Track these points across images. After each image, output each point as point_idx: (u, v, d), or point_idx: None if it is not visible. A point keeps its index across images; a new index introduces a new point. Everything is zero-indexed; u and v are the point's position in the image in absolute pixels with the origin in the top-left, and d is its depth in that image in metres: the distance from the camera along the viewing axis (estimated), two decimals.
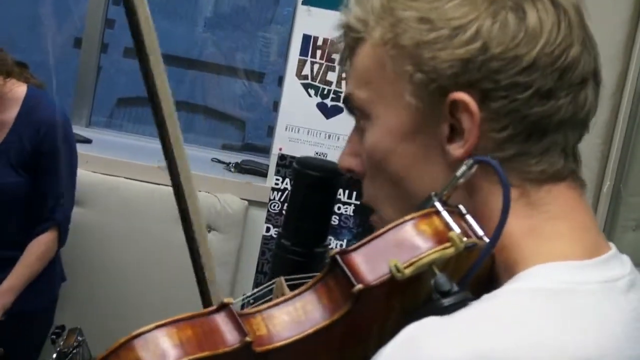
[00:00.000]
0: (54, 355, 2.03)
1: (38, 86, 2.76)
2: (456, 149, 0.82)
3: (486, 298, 0.77)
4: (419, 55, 0.82)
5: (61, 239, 2.75)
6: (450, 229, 0.78)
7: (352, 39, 0.89)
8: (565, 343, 0.73)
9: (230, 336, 0.75)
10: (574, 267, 0.79)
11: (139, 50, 0.77)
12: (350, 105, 0.90)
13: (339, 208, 2.99)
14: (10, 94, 2.67)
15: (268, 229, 3.04)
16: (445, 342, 0.72)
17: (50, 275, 2.79)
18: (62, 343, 2.06)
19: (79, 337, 2.07)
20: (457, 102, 0.81)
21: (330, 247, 2.94)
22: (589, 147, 2.58)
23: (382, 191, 0.89)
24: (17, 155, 2.66)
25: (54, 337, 2.06)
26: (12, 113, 2.67)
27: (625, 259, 0.86)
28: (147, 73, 0.79)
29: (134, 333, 0.74)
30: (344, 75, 0.95)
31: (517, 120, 0.81)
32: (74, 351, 2.04)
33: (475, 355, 0.70)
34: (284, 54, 3.18)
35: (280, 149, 3.04)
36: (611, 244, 0.87)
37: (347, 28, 0.89)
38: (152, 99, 0.81)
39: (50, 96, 2.79)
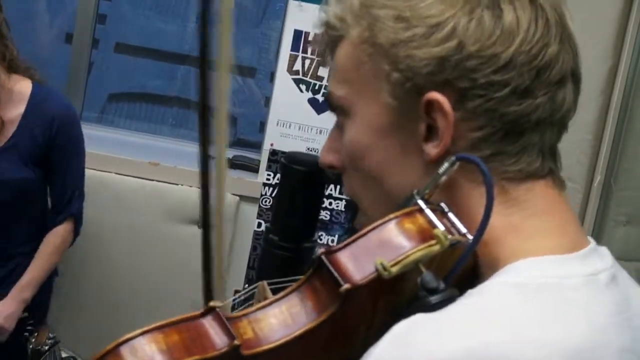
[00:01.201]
0: (29, 353, 2.04)
1: (40, 81, 2.75)
2: (432, 148, 0.82)
3: (472, 293, 0.77)
4: (395, 54, 0.82)
5: (76, 230, 2.77)
6: (434, 226, 0.78)
7: (332, 36, 0.89)
8: (553, 336, 0.74)
9: (219, 340, 0.75)
10: (557, 261, 0.80)
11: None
12: (330, 102, 0.91)
13: (330, 203, 2.99)
14: (15, 89, 2.67)
15: (259, 224, 3.04)
16: (436, 339, 0.72)
17: None
18: (33, 341, 2.06)
19: (50, 335, 2.08)
20: (432, 102, 0.81)
21: (321, 242, 2.96)
22: (579, 142, 2.59)
23: (361, 186, 0.90)
24: (29, 150, 2.66)
25: (26, 334, 2.07)
26: (19, 109, 2.67)
27: (605, 252, 0.86)
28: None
29: (120, 339, 0.74)
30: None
31: (494, 120, 0.81)
32: (47, 350, 2.04)
33: (465, 350, 0.71)
34: (276, 50, 3.18)
35: (272, 145, 3.04)
36: (590, 238, 0.87)
37: (327, 26, 0.89)
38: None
39: (57, 91, 2.82)
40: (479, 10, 0.81)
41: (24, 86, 2.69)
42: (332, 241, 3.03)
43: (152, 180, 3.12)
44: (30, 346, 2.07)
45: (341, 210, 3.01)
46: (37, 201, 2.74)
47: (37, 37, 3.71)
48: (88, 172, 3.07)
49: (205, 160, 0.80)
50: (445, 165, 0.81)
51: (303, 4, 2.97)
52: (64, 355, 2.74)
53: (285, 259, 1.38)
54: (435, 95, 0.81)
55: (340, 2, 0.88)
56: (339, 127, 0.91)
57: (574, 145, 2.55)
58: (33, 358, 2.02)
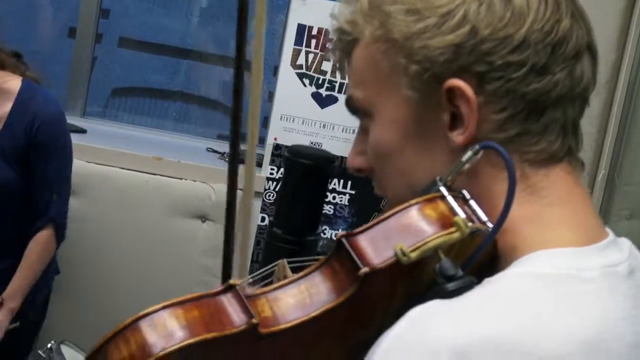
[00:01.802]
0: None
1: (34, 80, 2.74)
2: (458, 136, 0.83)
3: (489, 281, 0.78)
4: (410, 47, 0.83)
5: (58, 235, 2.72)
6: (455, 213, 0.78)
7: (346, 42, 0.90)
8: (567, 326, 0.75)
9: (237, 317, 0.75)
10: (575, 253, 0.80)
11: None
12: (352, 106, 0.91)
13: (334, 198, 2.99)
14: (4, 86, 2.64)
15: (263, 219, 3.03)
16: (452, 324, 0.73)
17: (45, 269, 2.75)
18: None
19: (52, 341, 2.07)
20: (453, 89, 0.82)
21: (324, 236, 2.95)
22: (583, 136, 2.58)
23: (392, 184, 0.90)
24: (12, 150, 2.63)
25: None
26: (6, 107, 2.63)
27: (623, 244, 0.86)
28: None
29: (141, 313, 0.74)
30: (337, 66, 0.96)
31: (516, 100, 0.82)
32: (51, 355, 2.04)
33: (481, 336, 0.72)
34: (279, 44, 3.17)
35: (275, 139, 3.03)
36: (608, 230, 0.87)
37: (340, 32, 0.90)
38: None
39: (45, 90, 2.76)
40: None
41: (12, 84, 2.66)
42: (336, 235, 3.01)
43: (156, 174, 3.12)
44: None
45: (345, 205, 3.01)
46: (21, 201, 2.69)
47: (40, 31, 3.71)
48: (91, 167, 3.07)
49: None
50: (469, 153, 0.81)
51: None
52: (68, 350, 2.76)
53: (289, 252, 1.38)
54: (455, 82, 0.81)
55: (350, 6, 0.89)
56: (363, 130, 0.92)
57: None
58: None
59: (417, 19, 0.82)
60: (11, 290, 2.62)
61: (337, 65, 0.94)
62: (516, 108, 0.82)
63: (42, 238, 2.68)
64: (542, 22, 0.82)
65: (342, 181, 2.98)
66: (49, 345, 2.75)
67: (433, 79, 0.82)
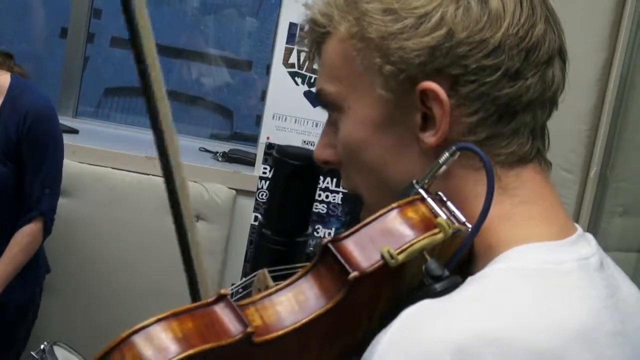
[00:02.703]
0: None
1: (22, 75, 2.74)
2: (429, 137, 0.83)
3: (474, 279, 0.79)
4: (386, 47, 0.82)
5: (46, 230, 2.72)
6: (436, 215, 0.79)
7: (318, 34, 0.89)
8: (554, 319, 0.76)
9: (232, 327, 0.75)
10: (551, 247, 0.82)
11: (137, 53, 0.75)
12: (322, 98, 0.90)
13: (327, 196, 2.98)
14: None
15: (256, 218, 3.03)
16: (444, 323, 0.73)
17: (35, 267, 2.77)
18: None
19: (45, 342, 2.07)
20: (427, 91, 0.82)
21: (317, 235, 2.95)
22: (575, 133, 2.58)
23: (360, 179, 0.90)
24: (3, 145, 2.63)
25: None
26: None
27: (590, 238, 0.88)
28: (144, 73, 0.77)
29: (135, 327, 0.73)
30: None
31: (488, 103, 0.82)
32: (44, 356, 2.04)
33: (476, 332, 0.72)
34: (271, 43, 3.17)
35: (268, 138, 3.03)
36: (576, 225, 0.88)
37: (313, 23, 0.90)
38: (146, 91, 0.79)
39: (35, 86, 2.77)
40: None
41: (2, 79, 2.66)
42: (329, 234, 3.02)
43: (148, 174, 3.11)
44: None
45: (338, 203, 3.00)
46: (13, 197, 2.69)
47: (32, 32, 3.70)
48: (83, 167, 3.07)
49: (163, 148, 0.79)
50: (446, 155, 0.81)
51: None
52: (61, 351, 2.74)
53: (278, 253, 1.38)
54: (429, 84, 0.81)
55: (325, 0, 0.88)
56: (332, 123, 0.91)
57: (569, 136, 2.54)
58: None
59: (394, 19, 0.82)
60: None
61: (308, 53, 0.93)
62: (488, 111, 0.82)
63: (29, 230, 2.68)
64: (517, 26, 0.82)
65: (334, 180, 2.98)
66: (41, 347, 2.73)
67: (407, 81, 0.82)
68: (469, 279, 0.79)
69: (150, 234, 3.10)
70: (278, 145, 1.63)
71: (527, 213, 0.84)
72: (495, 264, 0.80)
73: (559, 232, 0.84)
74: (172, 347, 0.72)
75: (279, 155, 1.50)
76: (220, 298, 0.76)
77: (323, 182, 2.97)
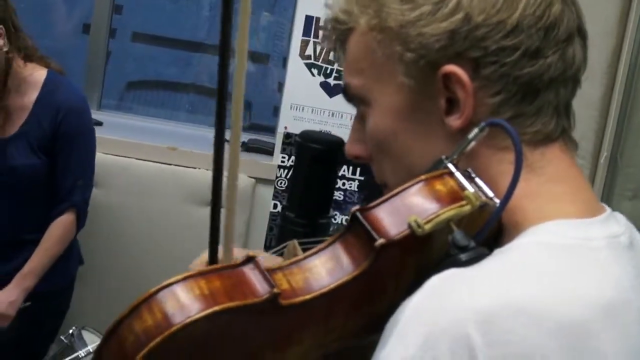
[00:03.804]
0: (53, 346, 2.04)
1: (58, 71, 2.75)
2: (455, 120, 0.83)
3: (502, 251, 0.78)
4: (405, 35, 0.82)
5: (79, 221, 2.72)
6: (464, 188, 0.78)
7: (340, 31, 0.89)
8: (581, 292, 0.75)
9: (259, 287, 0.74)
10: (580, 224, 0.81)
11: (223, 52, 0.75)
12: (349, 94, 0.91)
13: (343, 184, 2.99)
14: (30, 77, 2.65)
15: (275, 206, 3.04)
16: (470, 291, 0.73)
17: (68, 257, 2.78)
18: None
19: (74, 326, 2.08)
20: (449, 75, 0.82)
21: (335, 222, 2.96)
22: (585, 119, 2.58)
23: (389, 169, 0.90)
24: (37, 138, 2.64)
25: None
26: (32, 96, 2.65)
27: (620, 217, 0.87)
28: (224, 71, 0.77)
29: (164, 283, 0.73)
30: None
31: (510, 83, 0.82)
32: (72, 340, 2.05)
33: (503, 302, 0.72)
34: (288, 36, 3.18)
35: (286, 128, 3.04)
36: (604, 205, 0.87)
37: (335, 22, 0.90)
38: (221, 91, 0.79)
39: (69, 81, 2.77)
40: None
41: (38, 74, 2.67)
42: (346, 221, 3.02)
43: (170, 164, 3.13)
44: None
45: (354, 191, 3.01)
46: (45, 189, 2.70)
47: (56, 28, 3.72)
48: (108, 158, 3.09)
49: (220, 143, 0.79)
50: (475, 130, 0.81)
51: None
52: (89, 335, 2.77)
53: (301, 235, 1.38)
54: (451, 67, 0.81)
55: None
56: (360, 118, 0.92)
57: (580, 122, 2.52)
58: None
59: (412, 8, 0.82)
60: (27, 269, 2.63)
61: (333, 53, 0.93)
62: (510, 91, 0.82)
63: (63, 222, 2.69)
64: (534, 6, 0.82)
65: (351, 168, 2.99)
66: (70, 331, 2.77)
67: (429, 66, 0.82)
68: (496, 251, 0.78)
69: (173, 220, 3.12)
70: (301, 131, 1.63)
71: (555, 191, 0.83)
72: (523, 238, 0.79)
73: (588, 211, 0.83)
74: (199, 304, 0.71)
75: (301, 140, 1.50)
76: (249, 260, 0.76)
77: (340, 170, 2.98)
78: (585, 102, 2.53)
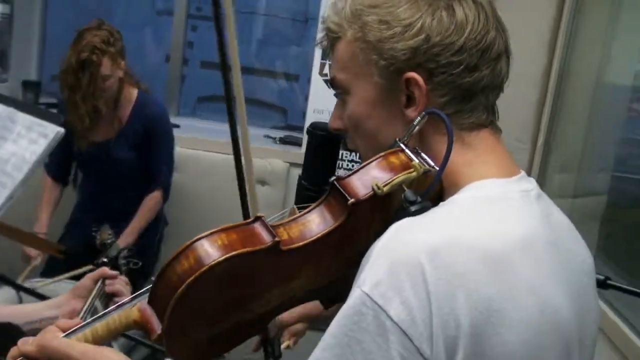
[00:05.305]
0: (97, 242, 2.07)
1: (145, 90, 2.78)
2: (411, 112, 0.82)
3: (443, 204, 0.79)
4: (381, 47, 0.82)
5: (165, 196, 2.78)
6: (411, 159, 0.79)
7: (332, 38, 0.88)
8: (502, 230, 0.76)
9: (265, 237, 0.75)
10: (501, 182, 0.81)
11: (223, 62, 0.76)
12: (334, 84, 0.89)
13: (347, 165, 2.96)
14: (127, 95, 2.69)
15: None
16: (420, 232, 0.73)
17: (158, 220, 2.83)
18: (98, 238, 2.09)
19: (109, 233, 2.10)
20: (410, 79, 0.81)
21: None
22: (526, 114, 2.54)
23: (361, 143, 0.89)
24: (134, 139, 2.69)
25: (94, 234, 2.09)
26: (127, 109, 2.70)
27: (531, 179, 0.87)
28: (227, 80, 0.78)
29: (196, 237, 0.74)
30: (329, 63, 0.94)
31: (454, 89, 0.81)
32: (110, 242, 2.07)
33: (446, 239, 0.72)
34: (310, 61, 3.17)
35: (310, 126, 3.01)
36: (520, 169, 0.87)
37: (328, 31, 0.89)
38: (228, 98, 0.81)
39: (155, 97, 2.83)
40: (439, 12, 0.81)
41: (133, 93, 2.72)
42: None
43: (230, 154, 3.11)
44: (97, 242, 2.09)
45: (350, 168, 2.97)
46: (139, 174, 2.74)
47: (147, 59, 3.72)
48: (184, 151, 3.09)
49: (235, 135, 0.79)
50: (418, 118, 0.81)
51: None
52: None
53: (311, 197, 1.38)
54: (412, 74, 0.81)
55: (337, 13, 0.87)
56: (341, 102, 0.90)
57: (521, 116, 2.53)
58: (101, 250, 2.05)
59: (387, 28, 0.81)
60: (129, 230, 2.68)
61: (324, 51, 0.93)
62: (454, 94, 0.81)
63: (153, 197, 2.74)
64: (475, 33, 0.81)
65: (353, 153, 2.96)
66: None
67: (396, 71, 0.82)
68: (440, 203, 0.78)
69: (233, 194, 3.11)
70: (311, 122, 1.64)
71: (484, 160, 0.83)
72: (460, 194, 0.79)
73: (507, 173, 0.83)
74: (220, 251, 0.73)
75: (311, 129, 1.51)
76: (257, 219, 0.77)
77: (350, 155, 2.95)
78: (526, 101, 2.50)
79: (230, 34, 0.78)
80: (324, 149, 1.48)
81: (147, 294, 0.78)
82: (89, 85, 2.49)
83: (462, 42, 0.80)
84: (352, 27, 0.84)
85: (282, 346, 1.84)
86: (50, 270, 2.53)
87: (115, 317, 0.79)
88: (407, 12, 0.81)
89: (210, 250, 0.73)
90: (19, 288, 1.69)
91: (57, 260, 2.35)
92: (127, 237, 2.64)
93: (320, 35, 0.91)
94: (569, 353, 0.79)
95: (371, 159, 0.79)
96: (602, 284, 1.32)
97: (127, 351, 1.80)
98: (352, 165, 2.97)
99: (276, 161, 3.09)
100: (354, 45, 0.84)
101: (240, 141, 0.76)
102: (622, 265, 2.03)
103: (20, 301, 1.85)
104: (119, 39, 2.55)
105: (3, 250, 2.38)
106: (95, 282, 1.39)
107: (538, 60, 2.46)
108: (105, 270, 1.41)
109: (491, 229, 0.75)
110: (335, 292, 0.85)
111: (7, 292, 2.04)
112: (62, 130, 1.50)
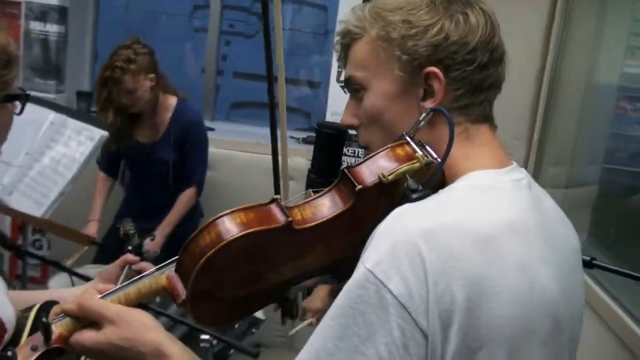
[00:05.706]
0: (121, 233, 2.08)
1: (183, 98, 2.82)
2: (429, 104, 0.82)
3: (442, 192, 0.78)
4: (404, 44, 0.82)
5: (198, 193, 2.80)
6: (415, 151, 0.78)
7: (350, 39, 0.87)
8: (493, 214, 0.76)
9: (279, 217, 0.74)
10: (494, 173, 0.81)
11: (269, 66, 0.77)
12: (351, 82, 0.87)
13: (352, 160, 2.97)
14: (166, 103, 2.74)
15: None
16: (418, 217, 0.72)
17: (194, 210, 2.85)
18: (122, 229, 2.11)
19: (130, 224, 2.12)
20: (430, 73, 0.81)
21: None
22: (521, 112, 2.53)
23: (377, 134, 0.86)
24: (173, 141, 2.72)
25: (118, 225, 2.10)
26: (167, 115, 2.74)
27: (522, 169, 0.86)
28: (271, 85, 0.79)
29: (217, 215, 0.74)
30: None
31: (467, 84, 0.82)
32: (132, 232, 2.07)
33: (441, 222, 0.72)
34: (329, 69, 3.20)
35: None
36: (513, 160, 0.86)
37: (348, 32, 0.87)
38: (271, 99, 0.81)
39: (191, 104, 2.84)
40: (456, 15, 0.82)
41: (172, 101, 2.76)
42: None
43: (259, 154, 3.15)
44: (121, 233, 2.12)
45: (353, 163, 2.97)
46: (177, 172, 2.76)
47: (185, 70, 3.79)
48: (219, 151, 3.11)
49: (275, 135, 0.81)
50: (423, 114, 0.81)
51: None
52: None
53: (320, 188, 1.39)
54: (432, 68, 0.81)
55: (356, 17, 0.87)
56: (355, 99, 0.88)
57: (517, 115, 2.52)
58: (125, 240, 2.08)
59: (410, 27, 0.82)
60: (166, 222, 2.71)
61: (339, 55, 0.90)
62: (467, 88, 0.82)
63: (189, 193, 2.77)
64: (486, 35, 0.82)
65: (358, 150, 2.99)
66: None
67: (418, 66, 0.81)
68: (439, 191, 0.78)
69: (262, 188, 3.14)
70: (319, 121, 1.64)
71: (481, 152, 0.82)
72: (456, 183, 0.79)
73: (500, 165, 0.82)
74: (239, 227, 0.73)
75: (319, 127, 1.50)
76: (273, 200, 0.76)
77: (354, 150, 2.97)
78: (521, 100, 2.49)
79: (278, 51, 0.79)
80: (330, 145, 1.48)
81: (174, 264, 0.79)
82: (116, 97, 2.56)
83: (475, 43, 0.81)
84: (375, 27, 0.83)
85: (305, 323, 1.87)
86: (102, 257, 2.63)
87: (146, 282, 0.79)
88: (428, 15, 0.81)
89: (229, 227, 0.72)
90: (71, 273, 1.72)
91: (108, 249, 2.44)
92: (164, 228, 2.69)
93: (336, 39, 0.89)
94: (559, 327, 0.78)
95: (379, 150, 0.78)
96: (588, 264, 1.34)
97: (167, 329, 1.84)
98: (354, 161, 2.98)
99: (300, 159, 3.10)
100: (376, 43, 0.83)
101: (279, 142, 0.78)
102: (611, 249, 2.03)
103: (72, 285, 1.91)
104: (145, 54, 2.58)
105: (56, 240, 2.44)
106: (122, 268, 1.37)
107: (532, 64, 2.46)
108: (129, 256, 1.40)
109: (481, 214, 0.74)
110: (346, 268, 0.81)
111: (63, 277, 2.12)
112: (106, 133, 1.56)
